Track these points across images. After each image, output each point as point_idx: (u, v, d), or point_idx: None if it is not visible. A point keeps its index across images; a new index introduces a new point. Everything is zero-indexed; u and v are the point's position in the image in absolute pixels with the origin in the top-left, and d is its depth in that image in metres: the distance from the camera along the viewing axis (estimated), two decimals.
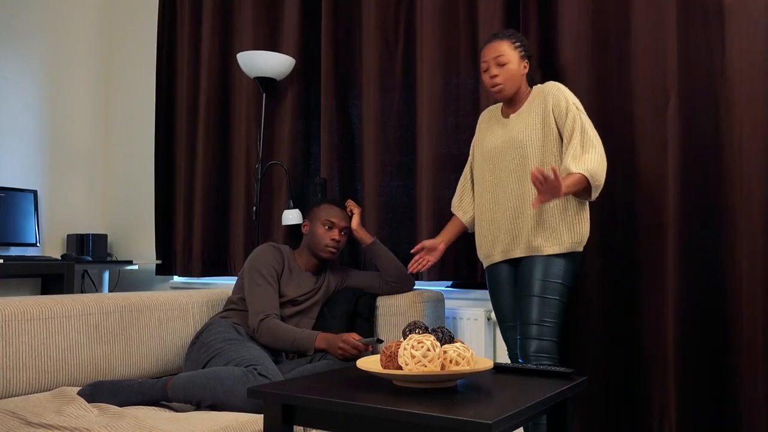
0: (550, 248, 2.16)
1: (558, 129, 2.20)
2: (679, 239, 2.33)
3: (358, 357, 2.25)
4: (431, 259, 2.43)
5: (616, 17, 2.50)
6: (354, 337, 2.25)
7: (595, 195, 2.13)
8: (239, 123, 3.44)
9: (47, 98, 3.78)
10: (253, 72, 3.06)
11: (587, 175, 2.07)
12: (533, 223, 2.18)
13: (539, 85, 2.29)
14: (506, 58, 2.25)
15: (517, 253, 2.23)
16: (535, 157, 2.20)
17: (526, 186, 2.21)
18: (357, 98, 3.10)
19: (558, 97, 2.20)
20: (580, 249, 2.19)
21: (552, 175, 1.92)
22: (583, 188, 2.11)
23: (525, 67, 2.29)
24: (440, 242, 2.45)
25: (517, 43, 2.28)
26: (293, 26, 3.23)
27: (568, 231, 2.16)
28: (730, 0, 2.30)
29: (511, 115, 2.31)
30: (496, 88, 2.27)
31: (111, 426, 1.68)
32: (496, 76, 2.25)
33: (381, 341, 2.24)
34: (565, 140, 2.18)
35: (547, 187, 1.95)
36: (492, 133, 2.34)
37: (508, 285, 2.30)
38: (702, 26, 2.35)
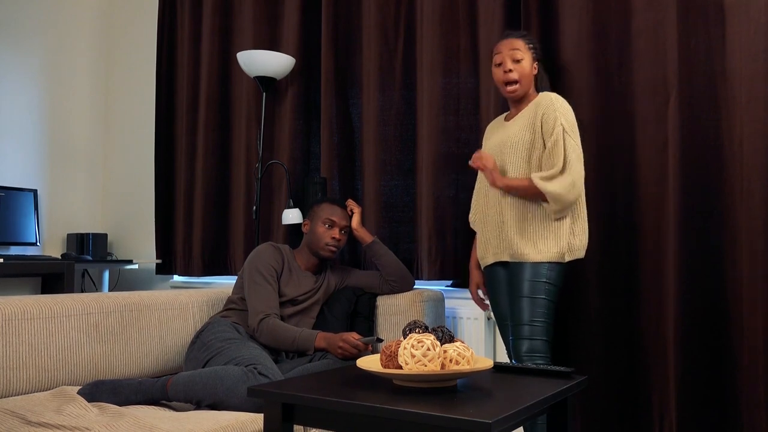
0: (534, 256, 2.14)
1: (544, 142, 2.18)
2: (679, 239, 2.33)
3: (358, 356, 2.25)
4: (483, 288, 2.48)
5: (617, 17, 2.50)
6: (354, 337, 2.25)
7: (556, 215, 2.12)
8: (239, 122, 3.44)
9: (47, 98, 3.78)
10: (253, 71, 3.06)
11: (543, 191, 2.07)
12: (515, 230, 2.18)
13: (544, 93, 2.24)
14: (521, 54, 2.23)
15: (505, 257, 2.23)
16: (519, 165, 2.18)
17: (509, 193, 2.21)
18: (357, 97, 3.10)
19: (548, 113, 2.15)
20: (566, 260, 2.15)
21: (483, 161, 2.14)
22: (531, 194, 2.12)
23: (535, 68, 2.28)
24: (477, 277, 2.48)
25: (531, 45, 2.27)
26: (293, 25, 3.23)
27: (554, 241, 2.14)
28: (730, 0, 2.30)
29: (511, 120, 2.30)
30: (511, 88, 2.23)
31: (111, 425, 1.68)
32: (511, 70, 2.22)
33: (381, 340, 2.23)
34: (545, 156, 2.14)
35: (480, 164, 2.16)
36: (491, 137, 2.35)
37: (504, 285, 2.30)
38: (702, 26, 2.35)
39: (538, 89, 2.33)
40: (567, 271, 2.19)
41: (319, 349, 2.29)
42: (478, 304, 2.50)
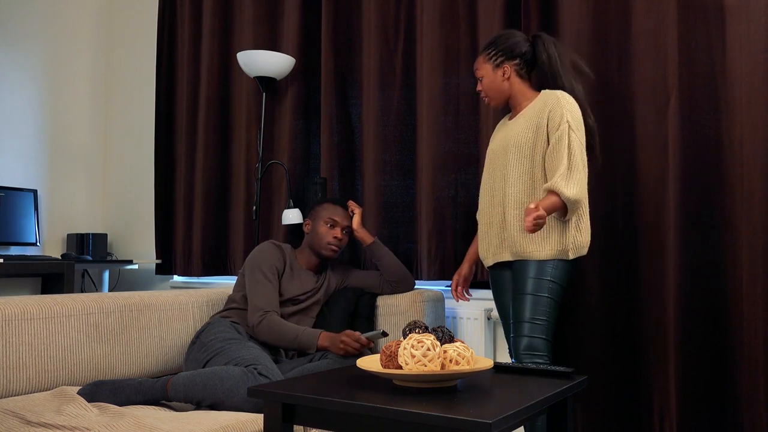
0: (537, 254, 2.12)
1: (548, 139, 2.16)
2: (679, 239, 2.33)
3: (360, 354, 2.25)
4: (467, 286, 2.51)
5: (617, 17, 2.50)
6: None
7: (570, 216, 2.11)
8: (239, 122, 3.44)
9: (47, 98, 3.78)
10: (253, 71, 3.06)
11: (567, 201, 2.04)
12: (518, 228, 2.16)
13: (548, 90, 2.22)
14: (481, 72, 2.31)
15: (506, 257, 2.22)
16: (523, 163, 2.17)
17: (510, 190, 2.18)
18: (357, 97, 3.10)
19: (554, 110, 2.13)
20: (570, 257, 2.12)
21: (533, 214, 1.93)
22: (561, 207, 2.09)
23: (505, 72, 2.26)
24: (467, 267, 2.49)
25: (491, 53, 2.28)
26: (293, 25, 3.23)
27: (558, 237, 2.12)
28: (730, 0, 2.30)
29: (513, 119, 2.29)
30: (486, 101, 2.34)
31: (111, 425, 1.68)
32: (480, 90, 2.33)
33: (386, 334, 2.21)
34: (548, 153, 2.12)
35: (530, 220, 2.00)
36: (495, 137, 2.34)
37: (508, 286, 2.30)
38: (702, 26, 2.35)
39: (541, 85, 2.28)
40: (572, 271, 2.17)
41: (322, 348, 2.28)
42: (453, 292, 2.50)
